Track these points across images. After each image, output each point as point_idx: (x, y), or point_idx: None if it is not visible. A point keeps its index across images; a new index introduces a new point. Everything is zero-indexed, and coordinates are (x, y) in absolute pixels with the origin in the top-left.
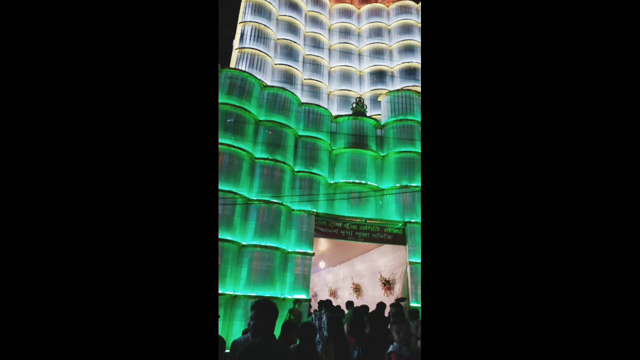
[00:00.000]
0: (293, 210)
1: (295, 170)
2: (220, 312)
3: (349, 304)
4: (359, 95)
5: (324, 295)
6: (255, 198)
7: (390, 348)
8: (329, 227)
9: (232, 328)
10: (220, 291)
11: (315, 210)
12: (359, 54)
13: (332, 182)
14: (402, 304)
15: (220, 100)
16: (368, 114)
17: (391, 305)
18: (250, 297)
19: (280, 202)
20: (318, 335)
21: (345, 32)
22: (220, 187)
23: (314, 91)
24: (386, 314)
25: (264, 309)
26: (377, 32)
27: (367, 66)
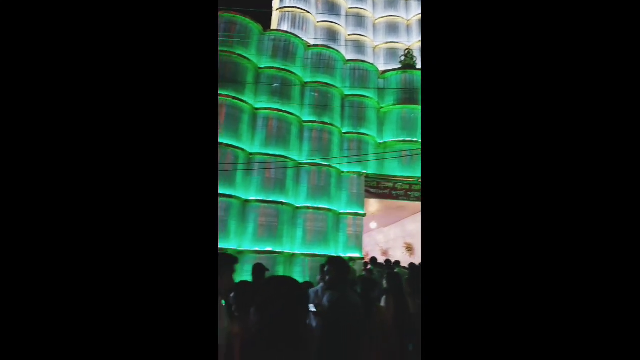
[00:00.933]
0: (343, 172)
1: (343, 131)
2: (280, 269)
3: (397, 263)
4: (407, 47)
5: (376, 255)
6: (305, 161)
7: None
8: (380, 187)
9: None
10: (278, 250)
11: (365, 171)
12: (406, 0)
13: (381, 141)
14: None
15: (265, 65)
16: (418, 67)
17: None
18: (306, 255)
19: (329, 164)
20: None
21: None
22: (272, 151)
23: (359, 46)
24: None
25: (338, 265)
26: None
27: (416, 13)
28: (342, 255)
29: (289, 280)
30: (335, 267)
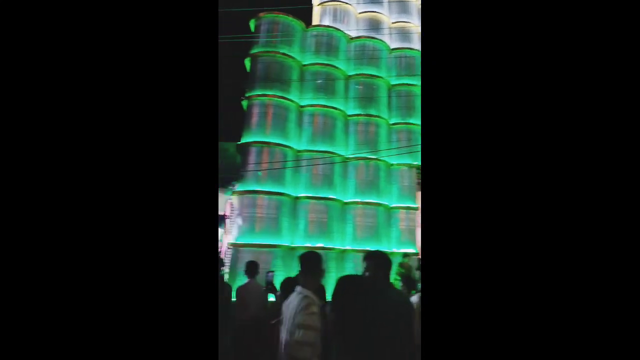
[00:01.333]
0: (392, 164)
1: (391, 122)
2: (332, 265)
3: None
4: None
5: None
6: (352, 156)
7: None
8: None
9: None
10: (329, 246)
11: (416, 163)
12: None
13: None
14: None
15: (309, 61)
16: None
17: None
18: (358, 251)
19: (377, 157)
20: None
21: None
22: (317, 147)
23: (404, 33)
24: None
25: (376, 260)
26: None
27: None
28: (395, 250)
29: (362, 280)
30: (374, 262)
